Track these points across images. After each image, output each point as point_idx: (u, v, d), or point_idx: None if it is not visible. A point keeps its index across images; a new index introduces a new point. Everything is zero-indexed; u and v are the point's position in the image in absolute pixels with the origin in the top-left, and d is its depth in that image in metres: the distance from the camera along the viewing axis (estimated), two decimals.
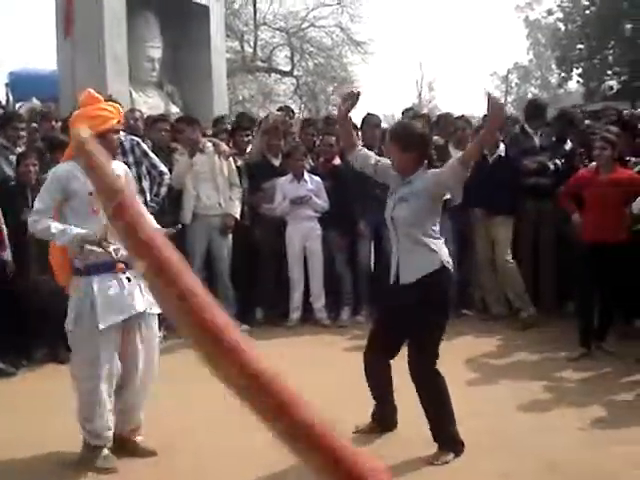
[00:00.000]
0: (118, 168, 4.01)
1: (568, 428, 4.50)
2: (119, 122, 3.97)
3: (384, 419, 4.39)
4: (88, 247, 3.84)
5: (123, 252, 3.80)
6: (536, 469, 3.92)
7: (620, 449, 4.13)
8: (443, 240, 4.17)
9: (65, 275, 4.07)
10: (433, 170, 4.05)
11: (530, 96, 40.15)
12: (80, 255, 3.87)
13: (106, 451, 4.01)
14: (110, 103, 4.06)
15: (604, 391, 5.18)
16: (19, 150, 6.63)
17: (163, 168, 6.81)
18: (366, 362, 4.30)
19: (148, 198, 6.76)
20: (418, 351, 4.04)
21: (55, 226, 3.85)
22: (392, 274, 4.10)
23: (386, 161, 4.21)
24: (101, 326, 3.83)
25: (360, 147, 4.41)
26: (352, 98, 4.20)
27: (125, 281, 3.95)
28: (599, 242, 5.86)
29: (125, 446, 4.18)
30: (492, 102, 3.92)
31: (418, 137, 4.03)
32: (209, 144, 7.23)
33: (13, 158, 6.52)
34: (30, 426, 4.62)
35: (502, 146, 7.17)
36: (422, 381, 4.01)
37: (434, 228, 4.05)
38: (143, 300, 3.96)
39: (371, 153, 4.36)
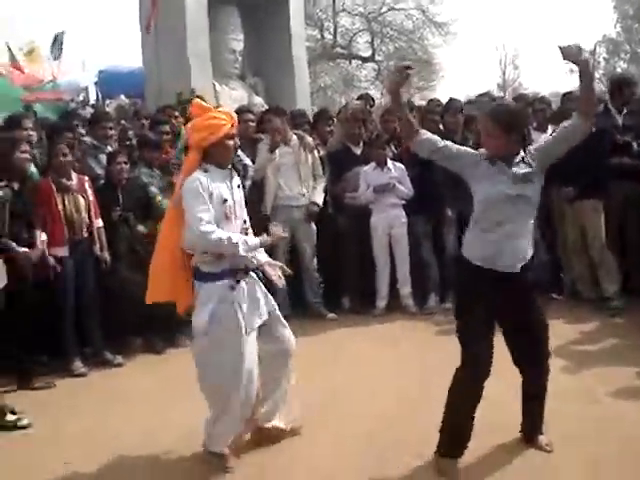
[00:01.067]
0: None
1: None
2: (232, 126, 3.94)
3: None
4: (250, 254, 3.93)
5: (260, 258, 4.06)
6: (624, 456, 3.86)
7: None
8: None
9: (189, 297, 4.01)
10: (536, 145, 3.79)
11: (619, 71, 38.87)
12: (215, 260, 3.86)
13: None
14: (220, 110, 4.04)
15: None
16: (109, 149, 6.86)
17: (247, 161, 6.93)
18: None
19: None
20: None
21: (235, 236, 3.81)
22: (506, 260, 3.67)
23: (453, 145, 3.86)
24: (248, 329, 3.89)
25: (423, 132, 3.84)
26: (401, 73, 3.77)
27: (258, 285, 4.05)
28: None
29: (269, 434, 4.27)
30: (565, 53, 3.58)
31: (521, 117, 3.81)
32: (294, 137, 7.29)
33: (102, 157, 6.74)
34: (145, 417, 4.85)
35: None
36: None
37: None
38: (266, 304, 4.09)
39: (436, 137, 3.84)
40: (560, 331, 6.22)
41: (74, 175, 6.06)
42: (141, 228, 6.35)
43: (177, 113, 8.22)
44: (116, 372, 6.00)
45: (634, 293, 7.05)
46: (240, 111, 7.71)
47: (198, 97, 8.11)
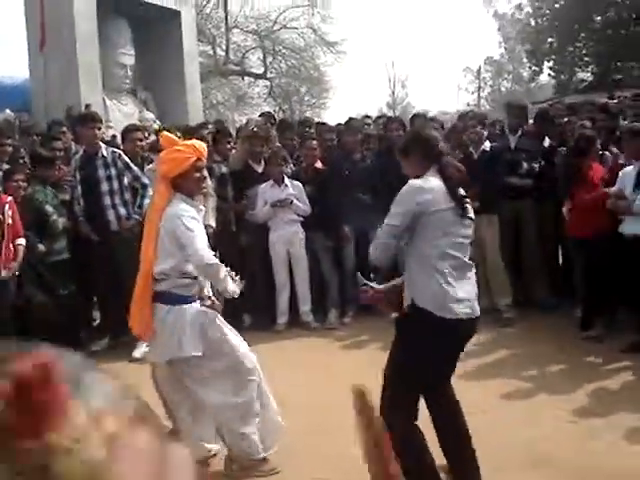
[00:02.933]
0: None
1: (556, 419, 4.61)
2: (199, 159, 3.95)
3: None
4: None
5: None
6: (526, 462, 4.00)
7: (608, 437, 4.25)
8: None
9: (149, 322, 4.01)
10: None
11: (503, 90, 40.50)
12: (189, 285, 3.98)
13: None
14: (186, 143, 4.05)
15: (589, 380, 5.30)
16: (5, 166, 6.60)
17: (145, 180, 6.80)
18: None
19: (131, 210, 6.77)
20: None
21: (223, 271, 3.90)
22: (473, 307, 3.42)
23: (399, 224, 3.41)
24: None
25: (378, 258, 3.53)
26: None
27: None
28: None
29: None
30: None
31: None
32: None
33: None
34: None
35: (487, 142, 7.23)
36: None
37: None
38: None
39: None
40: None
41: None
42: (41, 247, 6.14)
43: (65, 129, 8.02)
44: None
45: (526, 305, 7.33)
46: (128, 130, 7.55)
47: (90, 112, 7.99)
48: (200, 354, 3.90)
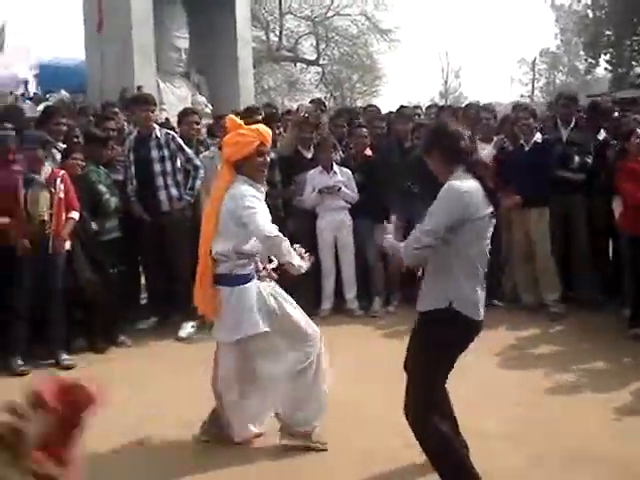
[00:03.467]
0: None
1: (600, 417, 4.56)
2: (262, 143, 4.04)
3: None
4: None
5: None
6: (566, 456, 4.00)
7: None
8: None
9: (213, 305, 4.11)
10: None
11: (558, 82, 39.87)
12: (247, 264, 4.05)
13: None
14: (250, 127, 4.11)
15: (635, 379, 5.24)
16: (61, 145, 6.72)
17: (197, 162, 6.88)
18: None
19: (183, 191, 6.86)
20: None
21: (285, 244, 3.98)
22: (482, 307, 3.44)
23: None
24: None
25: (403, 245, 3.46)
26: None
27: None
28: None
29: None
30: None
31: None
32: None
33: (54, 152, 6.58)
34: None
35: (538, 134, 7.14)
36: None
37: None
38: None
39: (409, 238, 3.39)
40: (499, 336, 6.40)
41: (46, 169, 5.92)
42: (94, 226, 6.26)
43: (117, 110, 8.14)
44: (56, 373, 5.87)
45: (574, 301, 7.25)
46: (185, 113, 7.64)
47: (144, 94, 8.10)
48: (267, 329, 4.02)
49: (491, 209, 3.34)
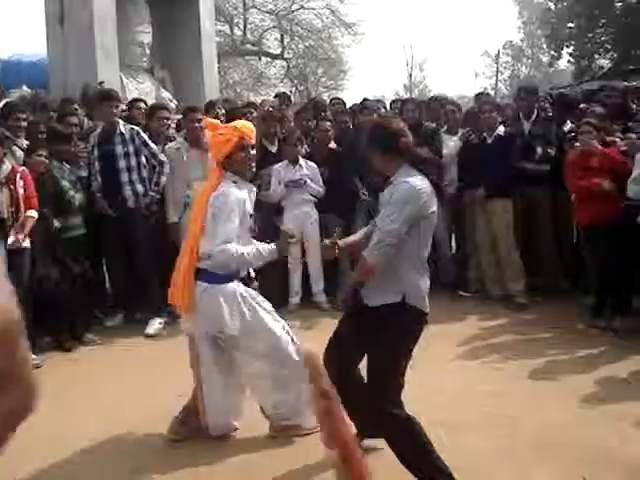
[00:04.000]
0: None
1: (564, 406, 4.61)
2: (242, 139, 4.06)
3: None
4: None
5: None
6: (532, 448, 4.02)
7: (617, 425, 4.25)
8: None
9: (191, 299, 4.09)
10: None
11: (522, 75, 40.24)
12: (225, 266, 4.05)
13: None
14: (227, 125, 4.20)
15: (599, 369, 5.31)
16: (20, 141, 6.63)
17: (162, 157, 6.83)
18: None
19: (148, 187, 6.81)
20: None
21: (248, 251, 4.01)
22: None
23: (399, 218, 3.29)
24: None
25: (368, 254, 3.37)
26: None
27: None
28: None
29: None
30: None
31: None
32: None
33: (15, 149, 6.50)
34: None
35: (501, 127, 7.21)
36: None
37: None
38: None
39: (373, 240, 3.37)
40: (465, 327, 6.46)
41: (6, 166, 5.82)
42: (56, 223, 6.19)
43: (76, 106, 8.05)
44: None
45: (540, 291, 7.33)
46: (155, 107, 7.59)
47: (108, 89, 8.01)
48: (236, 334, 4.03)
49: (439, 205, 3.43)
